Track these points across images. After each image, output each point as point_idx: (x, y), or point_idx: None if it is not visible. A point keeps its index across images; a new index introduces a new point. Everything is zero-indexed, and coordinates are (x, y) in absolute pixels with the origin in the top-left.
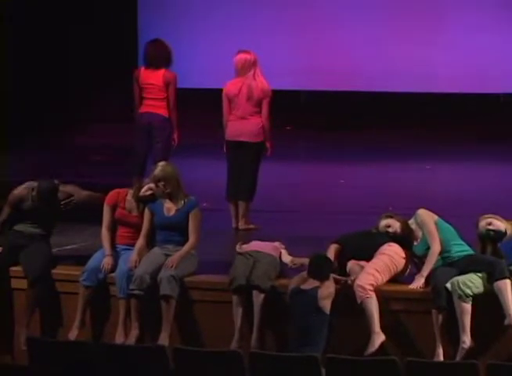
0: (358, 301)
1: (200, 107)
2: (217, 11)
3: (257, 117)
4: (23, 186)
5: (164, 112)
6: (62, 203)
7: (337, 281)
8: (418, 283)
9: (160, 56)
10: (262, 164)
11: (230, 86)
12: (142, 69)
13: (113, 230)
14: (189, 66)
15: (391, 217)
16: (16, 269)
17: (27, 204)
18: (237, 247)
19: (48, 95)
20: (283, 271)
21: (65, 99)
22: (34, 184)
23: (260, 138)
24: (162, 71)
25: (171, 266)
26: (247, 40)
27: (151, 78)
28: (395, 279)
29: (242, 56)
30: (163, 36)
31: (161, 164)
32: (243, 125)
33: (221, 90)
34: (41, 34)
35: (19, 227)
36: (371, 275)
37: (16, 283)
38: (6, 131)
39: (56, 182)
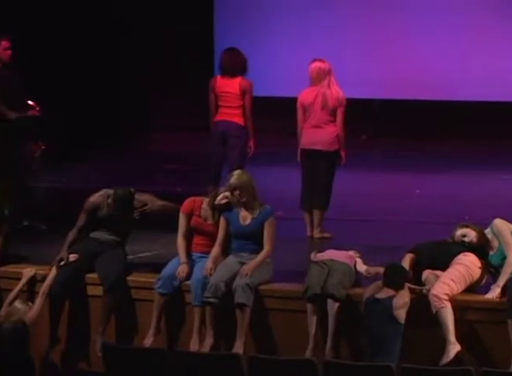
0: (434, 311)
1: (275, 115)
2: (293, 20)
3: (332, 126)
4: (99, 193)
5: (239, 120)
6: (136, 211)
7: (412, 291)
8: (494, 293)
9: (236, 65)
10: (337, 173)
11: (305, 95)
12: (218, 77)
13: (188, 238)
14: (264, 75)
15: (467, 226)
16: (91, 276)
17: (102, 212)
18: (312, 255)
19: (123, 103)
20: (358, 280)
21: (140, 108)
22: (110, 192)
23: (334, 146)
24: (238, 79)
25: (246, 274)
26: (322, 48)
27: (227, 87)
28: (471, 289)
29: (317, 65)
30: (239, 44)
31: (237, 172)
32: (318, 134)
33: (296, 98)
34: (120, 42)
35: (94, 234)
36: (446, 284)
37: (91, 290)
38: (84, 139)
39: (132, 190)
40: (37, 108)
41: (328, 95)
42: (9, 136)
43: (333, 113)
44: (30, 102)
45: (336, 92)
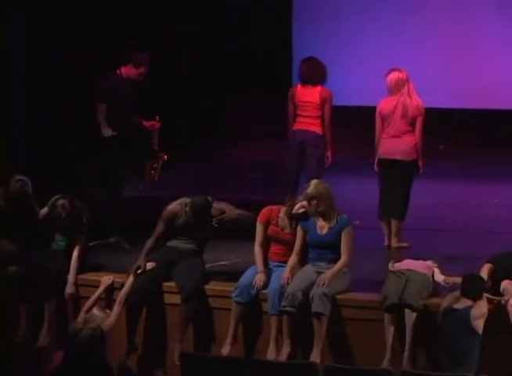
0: None
1: (352, 125)
2: (370, 29)
3: (410, 136)
4: (177, 201)
5: (317, 129)
6: (214, 220)
7: (490, 301)
8: None
9: (316, 74)
10: (415, 183)
11: (384, 104)
12: (299, 87)
13: (265, 247)
14: (341, 84)
15: None
16: (169, 285)
17: (180, 220)
18: (389, 265)
19: (200, 111)
20: (436, 290)
21: (217, 116)
22: (188, 200)
23: (412, 156)
24: (318, 89)
25: (323, 284)
26: (399, 57)
27: (307, 96)
28: None
29: (395, 75)
30: (317, 53)
31: (314, 182)
32: (397, 143)
33: (372, 108)
34: (202, 51)
35: (172, 243)
36: None
37: (169, 299)
38: (161, 146)
39: (210, 198)
40: (157, 124)
41: (408, 104)
42: (106, 151)
43: (412, 122)
44: (155, 116)
45: (416, 100)
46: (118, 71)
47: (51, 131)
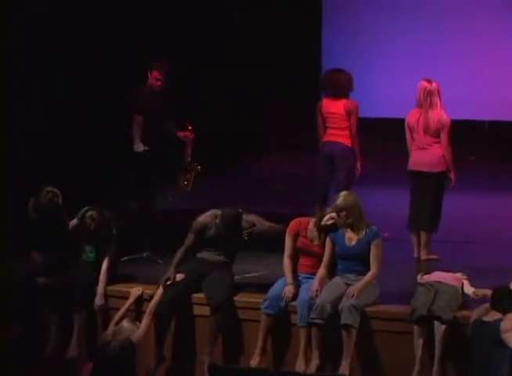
0: None
1: (384, 136)
2: (400, 40)
3: (437, 147)
4: (207, 213)
5: (346, 141)
6: (244, 232)
7: None
8: None
9: (341, 85)
10: (446, 195)
11: (411, 116)
12: (324, 99)
13: (294, 259)
14: (371, 96)
15: None
16: (198, 296)
17: (210, 232)
18: (419, 277)
19: (227, 125)
20: (465, 302)
21: (244, 128)
22: (218, 212)
23: (440, 168)
24: (343, 100)
25: (353, 296)
26: (430, 69)
27: (332, 107)
28: None
29: (422, 85)
30: (346, 65)
31: (343, 193)
32: (423, 155)
33: (403, 119)
34: (232, 64)
35: (202, 254)
36: None
37: (198, 310)
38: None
39: (240, 210)
40: (190, 134)
41: (429, 116)
42: (137, 165)
43: (437, 134)
44: (188, 126)
45: (437, 114)
46: (147, 83)
47: (83, 142)
